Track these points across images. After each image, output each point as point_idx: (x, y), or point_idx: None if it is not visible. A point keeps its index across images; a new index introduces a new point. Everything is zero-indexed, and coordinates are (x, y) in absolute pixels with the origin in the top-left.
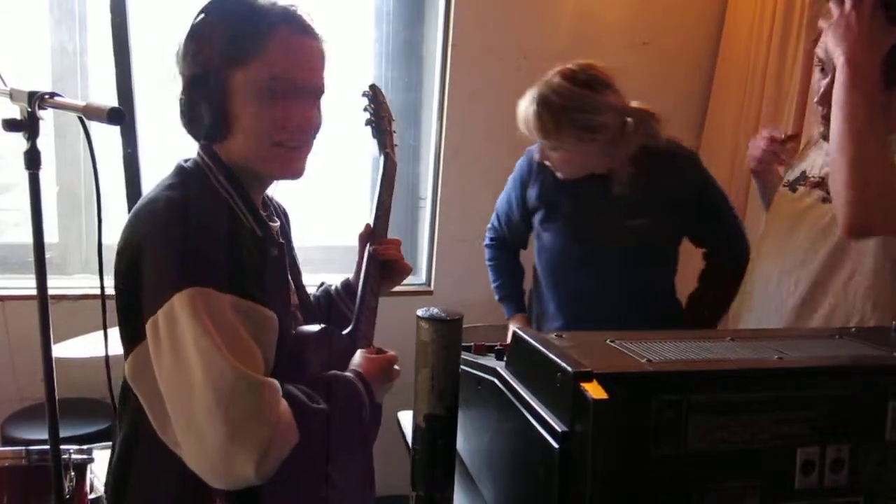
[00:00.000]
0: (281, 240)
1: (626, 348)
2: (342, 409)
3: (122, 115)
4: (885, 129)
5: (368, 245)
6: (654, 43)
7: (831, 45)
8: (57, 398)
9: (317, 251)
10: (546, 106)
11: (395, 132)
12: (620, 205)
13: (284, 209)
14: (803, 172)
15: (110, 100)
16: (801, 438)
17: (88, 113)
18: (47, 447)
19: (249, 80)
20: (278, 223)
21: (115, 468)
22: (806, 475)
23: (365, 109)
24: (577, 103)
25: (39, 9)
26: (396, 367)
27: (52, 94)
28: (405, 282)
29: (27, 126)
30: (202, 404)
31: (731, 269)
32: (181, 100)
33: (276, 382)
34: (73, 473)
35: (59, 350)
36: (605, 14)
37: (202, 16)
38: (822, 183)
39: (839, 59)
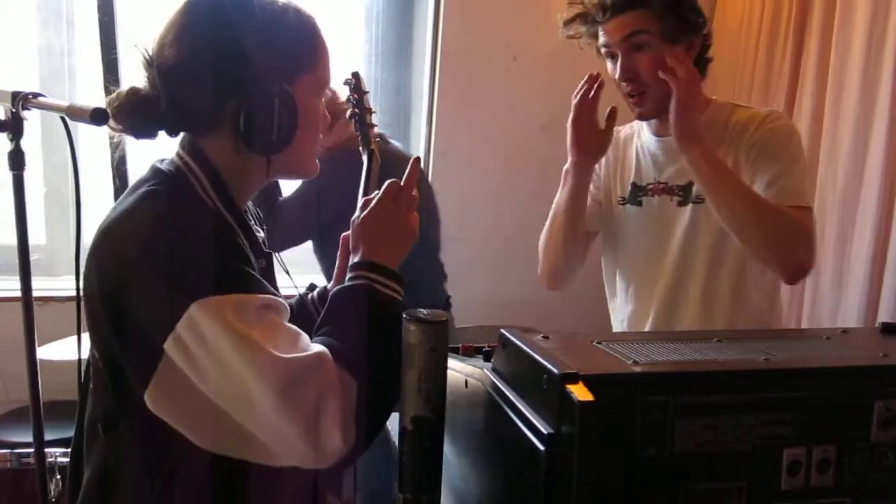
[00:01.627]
0: (267, 249)
1: (613, 349)
2: (368, 317)
3: (106, 116)
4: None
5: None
6: None
7: (679, 130)
8: (43, 400)
9: (302, 252)
10: None
11: (376, 125)
12: None
13: (262, 217)
14: (634, 184)
15: (98, 100)
16: (788, 439)
17: (72, 113)
18: (32, 450)
19: (314, 82)
20: (262, 234)
21: None
22: (792, 476)
23: (347, 100)
24: None
25: (27, 9)
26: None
27: (36, 95)
28: None
29: (11, 126)
30: (270, 407)
31: None
32: (242, 110)
33: (324, 350)
34: (58, 477)
35: (47, 352)
36: None
37: (259, 23)
38: (668, 188)
39: (693, 148)
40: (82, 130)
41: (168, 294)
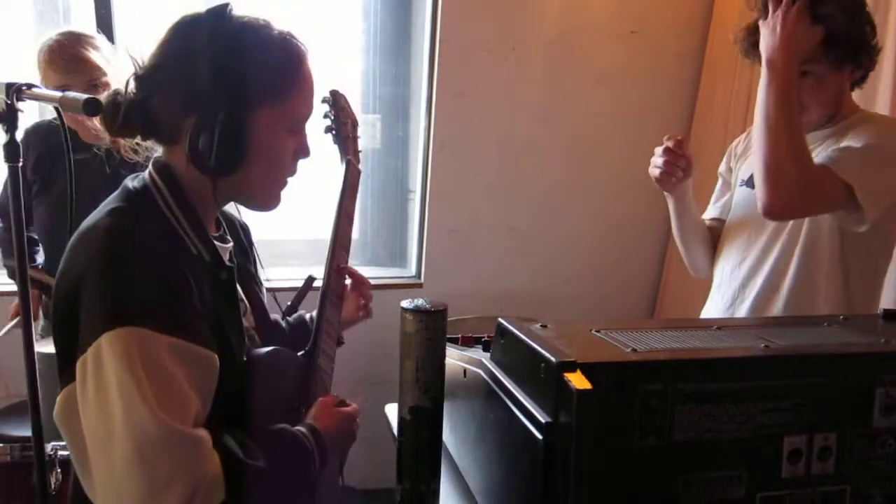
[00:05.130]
0: (230, 262)
1: (611, 338)
2: (286, 467)
3: (98, 106)
4: (801, 121)
5: (329, 260)
6: (642, 32)
7: (760, 46)
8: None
9: (300, 244)
10: None
11: (359, 137)
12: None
13: (243, 223)
14: None
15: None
16: (788, 427)
17: (65, 104)
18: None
19: (283, 115)
20: (231, 244)
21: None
22: (793, 464)
23: (325, 116)
24: None
25: (23, 1)
26: (357, 421)
27: (30, 86)
28: (394, 276)
29: (6, 118)
30: (122, 457)
31: None
32: (192, 128)
33: (205, 435)
34: (58, 470)
35: (47, 345)
36: (593, 4)
37: (229, 46)
38: None
39: (762, 59)
40: None
41: (96, 316)
